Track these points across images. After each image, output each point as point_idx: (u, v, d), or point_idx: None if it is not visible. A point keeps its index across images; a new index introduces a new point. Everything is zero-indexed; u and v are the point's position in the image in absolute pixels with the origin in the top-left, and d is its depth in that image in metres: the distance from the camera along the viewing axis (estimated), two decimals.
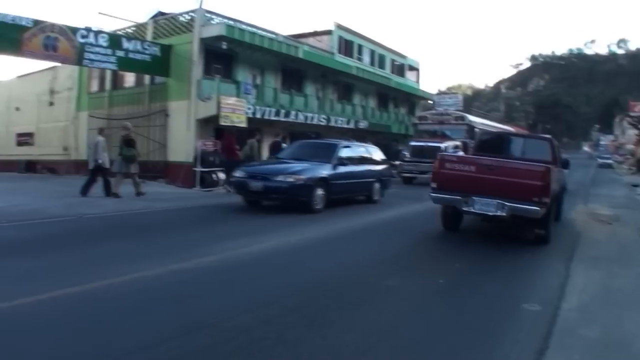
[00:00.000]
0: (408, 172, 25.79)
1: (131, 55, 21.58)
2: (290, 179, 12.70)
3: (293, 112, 26.17)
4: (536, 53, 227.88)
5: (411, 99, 44.27)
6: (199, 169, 21.13)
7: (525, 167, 9.21)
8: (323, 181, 13.44)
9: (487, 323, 5.11)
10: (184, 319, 4.86)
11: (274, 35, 26.28)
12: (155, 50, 22.28)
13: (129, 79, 25.95)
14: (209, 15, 23.36)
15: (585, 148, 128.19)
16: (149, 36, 24.06)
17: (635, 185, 30.48)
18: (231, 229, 10.44)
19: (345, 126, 30.88)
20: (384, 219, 13.04)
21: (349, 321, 4.99)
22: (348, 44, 34.91)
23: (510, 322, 5.13)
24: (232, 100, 22.04)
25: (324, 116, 28.82)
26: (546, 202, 8.80)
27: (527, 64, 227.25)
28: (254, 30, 24.83)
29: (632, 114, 64.81)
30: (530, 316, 5.31)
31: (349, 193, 15.26)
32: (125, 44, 21.58)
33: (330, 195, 13.61)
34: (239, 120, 22.25)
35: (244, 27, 24.11)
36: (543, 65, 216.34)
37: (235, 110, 22.03)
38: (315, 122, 27.92)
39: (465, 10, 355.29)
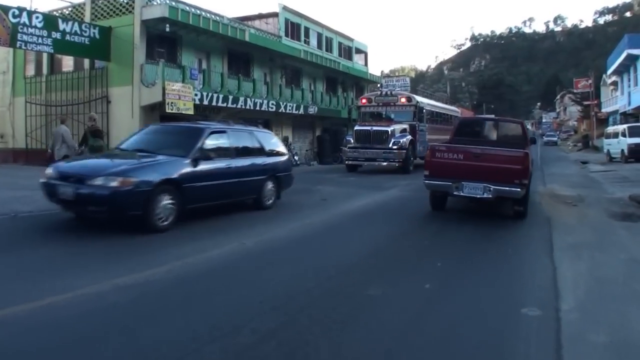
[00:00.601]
0: (352, 160, 23.59)
1: (68, 37, 20.34)
2: (114, 183, 8.18)
3: (241, 98, 25.28)
4: (476, 33, 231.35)
5: (360, 83, 43.86)
6: None
7: (507, 153, 10.22)
8: (171, 184, 8.96)
9: (490, 337, 4.57)
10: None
11: (219, 18, 25.26)
12: (94, 32, 21.04)
13: (68, 62, 24.39)
14: None
15: (529, 126, 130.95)
16: (87, 17, 22.65)
17: (585, 162, 31.02)
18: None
19: (295, 112, 30.21)
20: (281, 237, 8.89)
21: (336, 346, 4.33)
22: (295, 27, 34.13)
23: (514, 332, 4.63)
24: (177, 85, 21.06)
25: (272, 102, 28.01)
26: (526, 184, 9.94)
27: (468, 45, 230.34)
28: (199, 11, 23.80)
29: (575, 91, 65.86)
30: (533, 323, 4.82)
31: (220, 198, 10.67)
32: (62, 26, 20.31)
33: (184, 204, 9.21)
34: (186, 107, 21.34)
35: (187, 8, 23.05)
36: (483, 45, 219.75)
37: (182, 96, 21.10)
38: (264, 108, 27.10)
39: None
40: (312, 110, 32.29)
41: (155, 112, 21.89)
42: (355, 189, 16.38)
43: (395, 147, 22.31)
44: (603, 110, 56.58)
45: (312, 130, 36.04)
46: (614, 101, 52.71)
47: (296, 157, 31.84)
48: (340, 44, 40.96)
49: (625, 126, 30.86)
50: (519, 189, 9.74)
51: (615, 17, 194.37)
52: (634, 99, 39.40)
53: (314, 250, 7.78)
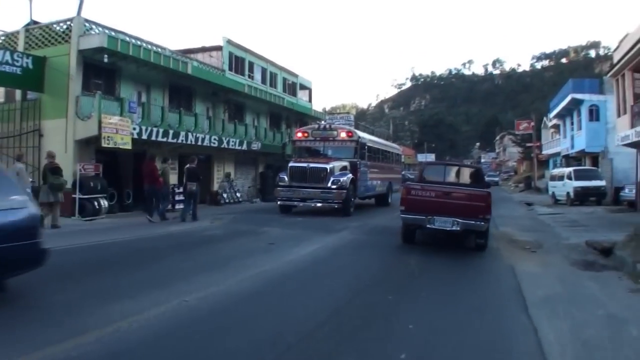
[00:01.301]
0: (286, 199, 21.33)
1: None
2: None
3: (182, 133, 24.38)
4: (417, 73, 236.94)
5: (304, 119, 43.37)
6: (78, 195, 19.01)
7: (474, 192, 11.96)
8: None
9: None
10: None
11: (161, 50, 24.46)
12: (27, 62, 19.86)
13: None
14: (88, 24, 21.14)
15: None
16: (20, 47, 21.47)
17: (530, 204, 31.24)
18: None
19: (238, 147, 29.44)
20: (232, 292, 7.67)
21: None
22: (239, 61, 33.55)
23: None
24: (115, 119, 20.07)
25: (215, 137, 27.18)
26: (488, 218, 11.66)
27: (408, 84, 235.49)
28: (139, 42, 22.95)
29: (517, 132, 67.36)
30: None
31: None
32: None
33: None
34: (123, 142, 20.35)
35: (127, 39, 22.17)
36: (424, 85, 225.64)
37: (119, 130, 20.11)
38: (206, 143, 26.23)
39: (343, 30, 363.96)
40: (256, 146, 31.58)
41: (91, 146, 20.85)
42: (303, 230, 15.60)
43: (334, 186, 20.39)
44: (544, 152, 57.87)
45: (255, 166, 35.37)
46: (555, 144, 53.98)
47: (238, 194, 31.05)
48: (284, 79, 40.57)
49: (571, 169, 31.57)
50: (482, 223, 11.40)
51: (552, 63, 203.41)
52: (577, 143, 40.22)
53: (270, 309, 6.79)
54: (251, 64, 35.22)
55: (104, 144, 19.41)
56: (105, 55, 20.24)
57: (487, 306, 7.31)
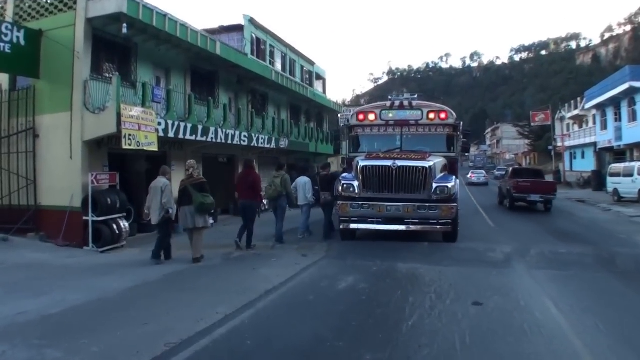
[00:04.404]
0: (357, 220, 13.43)
1: None
2: None
3: (212, 129, 19.29)
4: (394, 67, 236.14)
5: (321, 113, 38.55)
6: (91, 217, 13.87)
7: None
8: None
9: None
10: None
11: (185, 22, 19.02)
12: (18, 36, 14.37)
13: None
14: None
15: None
16: (9, 19, 15.88)
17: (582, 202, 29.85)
18: None
19: (267, 146, 24.40)
20: None
21: None
22: (260, 44, 28.43)
23: None
24: (137, 110, 14.87)
25: (245, 134, 22.12)
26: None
27: (385, 79, 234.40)
28: (163, 12, 17.52)
29: (533, 124, 63.82)
30: None
31: None
32: None
33: None
34: (148, 142, 15.22)
35: (149, 5, 16.74)
36: (401, 80, 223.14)
37: (142, 126, 14.95)
38: (236, 141, 21.19)
39: (319, 24, 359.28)
40: (284, 143, 26.58)
41: (103, 148, 15.70)
42: (473, 267, 10.05)
43: (440, 197, 12.84)
44: (562, 144, 54.20)
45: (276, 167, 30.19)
46: (580, 135, 51.40)
47: (265, 202, 25.99)
48: (302, 67, 35.53)
49: None
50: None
51: (532, 55, 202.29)
52: (627, 135, 36.75)
53: None
54: (272, 49, 30.11)
55: (126, 145, 14.20)
56: (125, 25, 14.87)
57: None
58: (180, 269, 10.33)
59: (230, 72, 23.38)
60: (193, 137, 18.09)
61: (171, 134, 16.79)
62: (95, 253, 13.55)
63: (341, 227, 13.65)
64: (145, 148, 15.05)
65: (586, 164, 49.11)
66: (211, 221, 12.77)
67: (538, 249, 12.35)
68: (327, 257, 11.20)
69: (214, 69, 22.24)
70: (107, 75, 15.89)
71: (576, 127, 55.24)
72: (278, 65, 31.02)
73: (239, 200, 13.69)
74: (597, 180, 39.20)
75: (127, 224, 15.16)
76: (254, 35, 27.52)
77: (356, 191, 13.29)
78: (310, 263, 10.39)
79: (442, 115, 14.95)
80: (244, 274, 9.67)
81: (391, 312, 6.84)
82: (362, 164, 13.33)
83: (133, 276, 9.64)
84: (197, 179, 11.85)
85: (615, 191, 29.82)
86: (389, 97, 15.70)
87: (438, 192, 12.85)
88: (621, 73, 37.23)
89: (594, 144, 45.55)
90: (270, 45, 29.85)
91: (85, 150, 14.89)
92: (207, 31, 24.94)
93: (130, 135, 14.39)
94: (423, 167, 12.92)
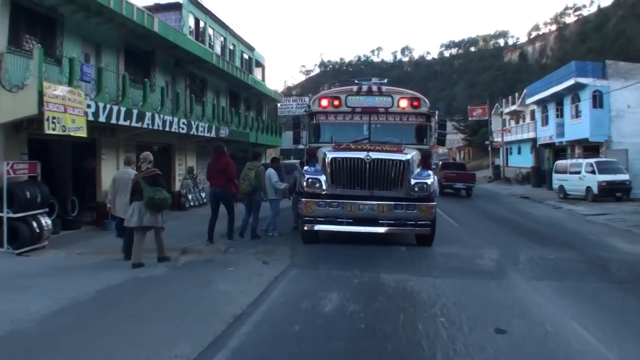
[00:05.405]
0: (323, 220, 11.60)
1: None
2: None
3: (149, 114, 17.24)
4: (325, 60, 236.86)
5: (261, 101, 36.69)
6: (6, 213, 11.74)
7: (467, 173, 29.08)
8: None
9: None
10: None
11: None
12: None
13: None
14: None
15: None
16: None
17: (526, 198, 29.46)
18: None
19: (206, 134, 22.41)
20: None
21: None
22: (200, 26, 26.37)
23: None
24: (62, 89, 12.70)
25: (184, 121, 20.11)
26: None
27: (317, 71, 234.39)
28: None
29: (470, 118, 63.69)
30: None
31: None
32: None
33: None
34: (76, 126, 13.10)
35: None
36: (332, 72, 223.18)
37: (68, 108, 12.82)
38: (174, 128, 19.18)
39: (249, 13, 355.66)
40: (224, 132, 24.61)
41: (22, 133, 13.51)
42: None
43: (418, 194, 11.38)
44: (502, 139, 54.25)
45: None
46: (517, 130, 51.64)
47: (203, 194, 24.12)
48: (241, 52, 33.56)
49: (592, 161, 28.13)
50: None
51: (461, 51, 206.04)
52: (570, 131, 36.91)
53: None
54: (211, 31, 28.08)
55: (49, 130, 12.07)
56: None
57: None
58: (117, 282, 8.37)
59: (168, 54, 21.37)
60: (127, 123, 15.97)
61: (102, 119, 14.63)
62: (10, 255, 11.46)
63: (305, 228, 11.78)
64: (72, 134, 12.92)
65: (522, 160, 49.39)
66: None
67: (524, 254, 11.29)
68: (295, 266, 9.41)
69: (150, 48, 20.15)
70: (28, 48, 13.68)
71: (512, 123, 55.43)
72: (217, 49, 29.01)
73: (210, 189, 12.85)
74: (536, 177, 39.17)
75: (49, 221, 13.01)
76: (192, 16, 25.44)
77: (323, 187, 11.58)
78: (278, 274, 8.60)
79: (415, 103, 13.03)
80: (199, 289, 7.79)
81: (406, 349, 5.30)
82: (330, 155, 11.56)
83: (56, 293, 7.64)
84: (149, 171, 10.14)
85: (561, 188, 29.62)
86: (356, 81, 13.57)
87: (417, 190, 11.32)
88: (566, 69, 37.03)
89: (533, 140, 45.54)
90: (210, 27, 27.80)
91: (0, 135, 12.68)
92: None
93: (54, 118, 12.24)
94: (400, 161, 11.34)
